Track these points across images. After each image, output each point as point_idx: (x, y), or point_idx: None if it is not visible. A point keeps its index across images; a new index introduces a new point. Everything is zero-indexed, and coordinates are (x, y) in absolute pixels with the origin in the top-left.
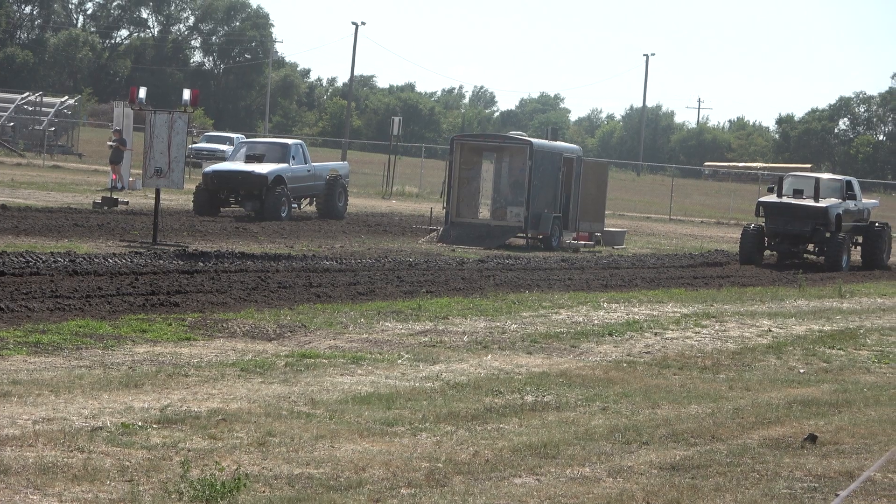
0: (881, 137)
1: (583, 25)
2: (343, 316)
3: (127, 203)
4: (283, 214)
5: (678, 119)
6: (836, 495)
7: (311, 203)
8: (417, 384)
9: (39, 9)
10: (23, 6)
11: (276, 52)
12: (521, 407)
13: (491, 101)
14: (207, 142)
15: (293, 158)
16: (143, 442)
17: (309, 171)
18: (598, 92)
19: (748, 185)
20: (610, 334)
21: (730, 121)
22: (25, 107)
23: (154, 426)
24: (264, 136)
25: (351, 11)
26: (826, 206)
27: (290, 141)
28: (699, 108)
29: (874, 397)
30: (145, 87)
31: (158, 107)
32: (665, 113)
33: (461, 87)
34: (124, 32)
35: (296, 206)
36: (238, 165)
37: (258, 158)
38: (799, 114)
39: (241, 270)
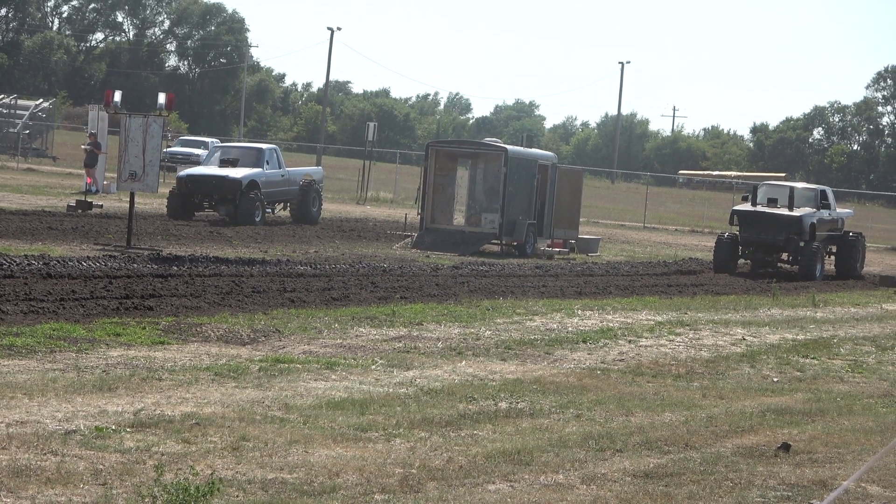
0: (855, 147)
1: (558, 33)
2: (317, 321)
3: (101, 206)
4: (257, 219)
5: (653, 127)
6: None
7: (284, 208)
8: (391, 390)
9: (14, 11)
10: None
11: (252, 56)
12: (496, 413)
13: (466, 107)
14: (182, 146)
15: (267, 163)
16: (116, 445)
17: (283, 175)
18: (573, 99)
19: (722, 194)
20: (584, 341)
21: (704, 129)
22: (0, 109)
23: (128, 430)
24: (239, 141)
25: (326, 17)
26: (800, 216)
27: (264, 146)
28: (674, 117)
29: (847, 406)
30: (120, 91)
31: (133, 110)
32: (640, 121)
33: (436, 94)
34: (100, 36)
35: (270, 210)
36: (212, 170)
37: (232, 163)
38: (773, 123)
39: (216, 275)
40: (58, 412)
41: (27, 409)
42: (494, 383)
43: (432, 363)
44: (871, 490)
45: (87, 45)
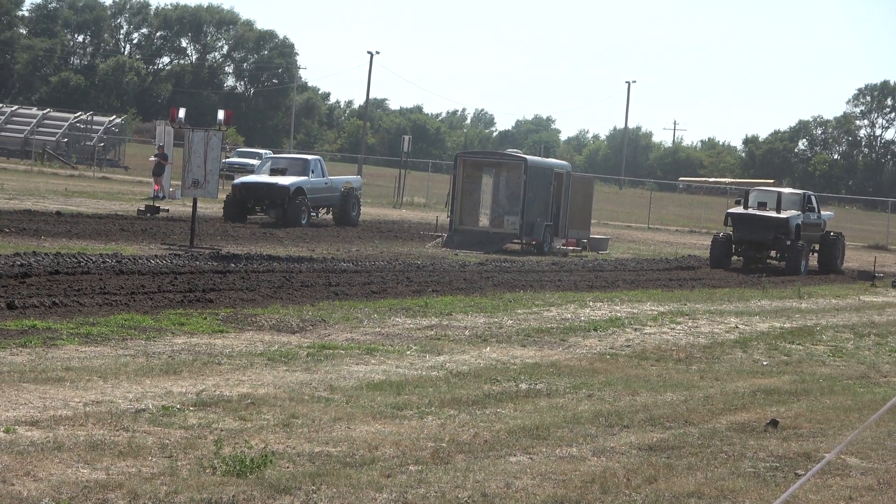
0: (836, 157)
1: (572, 56)
2: (358, 312)
3: (167, 211)
4: (303, 222)
5: (656, 139)
6: (796, 474)
7: (327, 212)
8: (424, 373)
9: (91, 38)
10: (76, 35)
11: (301, 77)
12: (516, 394)
13: (490, 121)
14: (239, 157)
15: (312, 172)
16: (180, 422)
17: (326, 183)
18: (585, 114)
19: (718, 198)
20: (595, 329)
21: (702, 141)
22: (78, 125)
23: (191, 408)
24: (288, 153)
25: (367, 42)
26: (787, 217)
27: (309, 157)
28: (675, 130)
29: (829, 387)
30: (184, 108)
31: (196, 126)
32: (644, 133)
33: (464, 110)
34: (166, 59)
35: (314, 214)
36: (263, 178)
37: (281, 172)
38: (763, 135)
39: (269, 271)
40: (129, 393)
41: (102, 390)
42: (515, 367)
43: (460, 349)
44: (850, 461)
45: (155, 67)
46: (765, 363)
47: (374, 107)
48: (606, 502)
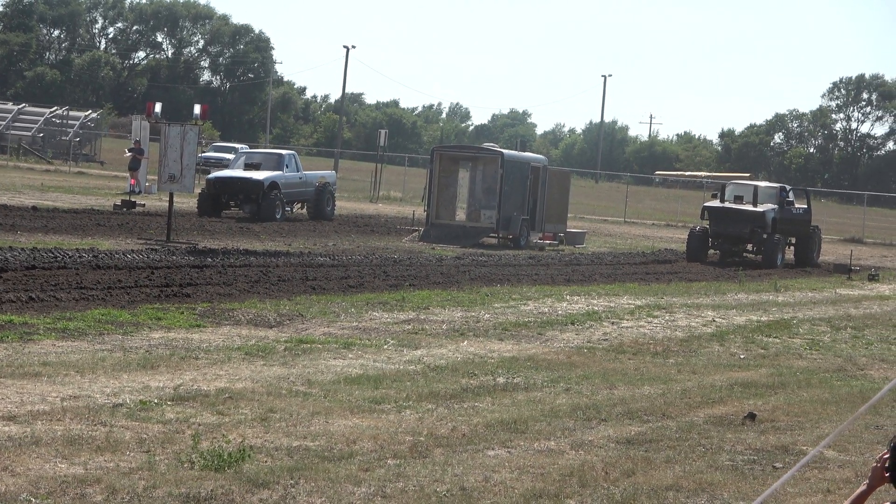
0: (812, 150)
1: (548, 49)
2: (336, 306)
3: (144, 205)
4: (278, 216)
5: (632, 133)
6: (774, 467)
7: (302, 207)
8: (402, 367)
9: (66, 33)
10: (51, 30)
11: (276, 72)
12: (494, 387)
13: (466, 116)
14: (215, 151)
15: (286, 167)
16: (158, 417)
17: (300, 178)
18: (561, 108)
19: (694, 192)
20: (572, 323)
21: (678, 135)
22: (54, 119)
23: (168, 403)
24: (265, 147)
25: (342, 36)
26: (763, 211)
27: (283, 151)
28: (651, 123)
29: (806, 380)
30: (160, 103)
31: (172, 120)
32: (620, 127)
33: (440, 104)
34: (142, 54)
35: (289, 209)
36: (237, 172)
37: (255, 167)
38: (739, 128)
39: (245, 265)
40: (106, 387)
41: (79, 385)
42: (493, 361)
43: (438, 343)
44: (828, 454)
45: (131, 62)
46: (742, 356)
47: (350, 101)
48: (585, 495)
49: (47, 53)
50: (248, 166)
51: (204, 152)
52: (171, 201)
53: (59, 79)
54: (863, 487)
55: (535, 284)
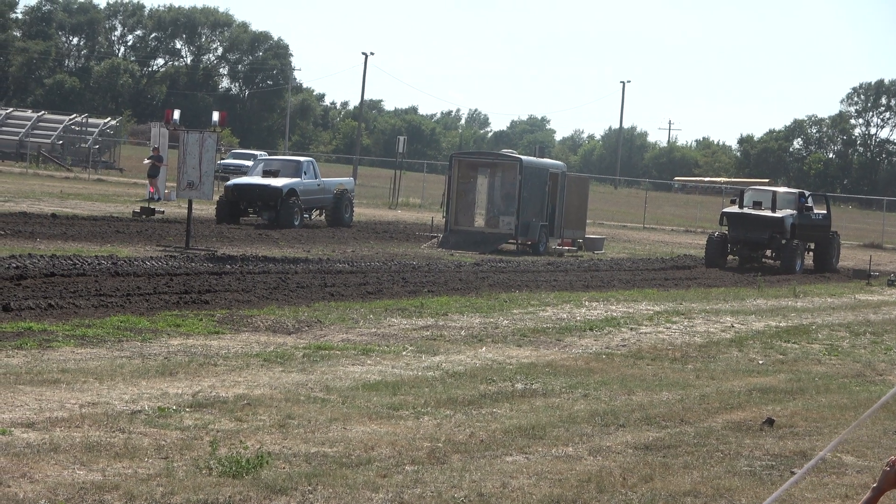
0: (831, 155)
1: (567, 55)
2: (354, 312)
3: (163, 212)
4: (296, 223)
5: (651, 139)
6: (791, 473)
7: (320, 214)
8: (420, 373)
9: (85, 40)
10: (70, 37)
11: (295, 79)
12: (512, 393)
13: (485, 122)
14: (234, 158)
15: (305, 174)
16: (176, 424)
17: (319, 185)
18: (580, 114)
19: (713, 198)
20: (591, 329)
21: (696, 140)
22: (73, 127)
23: (187, 410)
24: (284, 154)
25: (361, 43)
26: (782, 216)
27: (302, 158)
28: (669, 129)
29: (825, 386)
30: (179, 110)
31: (190, 127)
32: (639, 133)
33: (458, 110)
34: (160, 61)
35: (307, 216)
36: (256, 179)
37: (274, 174)
38: (758, 134)
39: (264, 272)
40: (125, 394)
41: (98, 392)
42: (511, 367)
43: (456, 349)
44: (845, 459)
45: (150, 69)
46: (761, 362)
47: (369, 108)
48: (603, 501)
49: (66, 61)
50: (266, 173)
51: (223, 159)
52: (189, 208)
53: (79, 86)
54: (870, 493)
55: (554, 290)
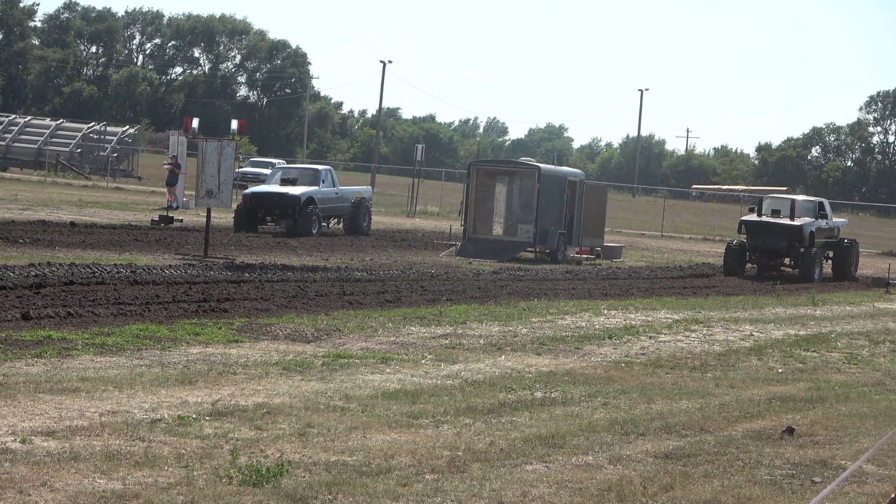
0: (849, 163)
1: (585, 64)
2: (373, 321)
3: (181, 221)
4: (314, 231)
5: (669, 147)
6: (812, 482)
7: (338, 222)
8: (439, 382)
9: (103, 48)
10: (89, 46)
11: (313, 87)
12: (532, 402)
13: (503, 130)
14: (252, 166)
15: (323, 182)
16: (196, 432)
17: (337, 193)
18: (598, 122)
19: (731, 206)
20: (609, 337)
21: (714, 148)
22: (91, 135)
23: (206, 418)
24: (302, 162)
25: (379, 51)
26: (800, 225)
27: (320, 167)
28: (687, 137)
29: (844, 394)
30: (197, 118)
31: (209, 135)
32: (657, 141)
33: (476, 118)
34: (178, 69)
35: (325, 224)
36: (274, 188)
37: (292, 182)
38: (776, 142)
39: (283, 280)
40: (144, 403)
41: (117, 401)
42: (530, 375)
43: (475, 358)
44: (867, 468)
45: (168, 77)
46: (780, 371)
47: (387, 116)
48: None
49: (85, 69)
50: (284, 181)
51: (241, 167)
52: (208, 216)
53: (97, 94)
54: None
55: (573, 299)
